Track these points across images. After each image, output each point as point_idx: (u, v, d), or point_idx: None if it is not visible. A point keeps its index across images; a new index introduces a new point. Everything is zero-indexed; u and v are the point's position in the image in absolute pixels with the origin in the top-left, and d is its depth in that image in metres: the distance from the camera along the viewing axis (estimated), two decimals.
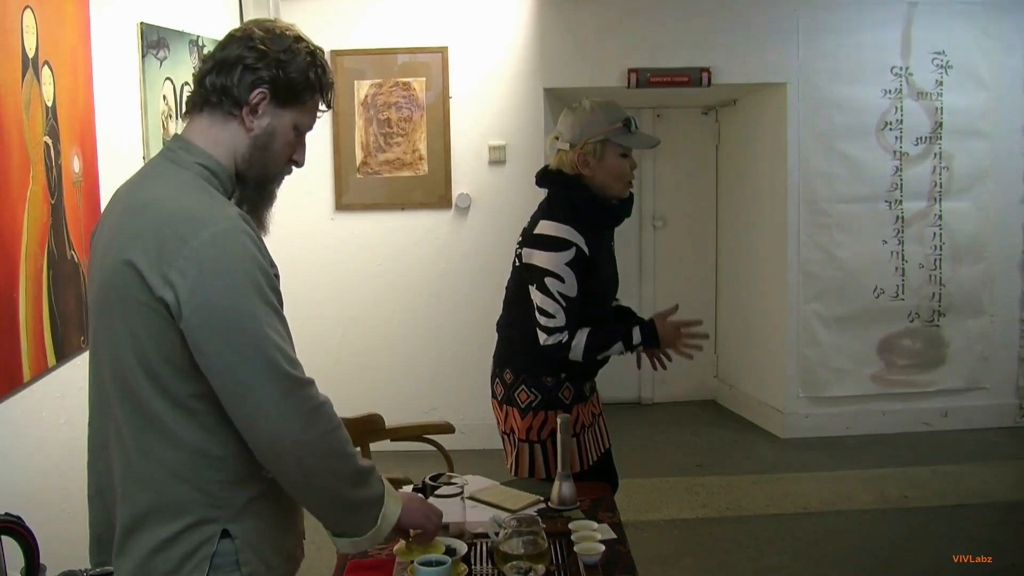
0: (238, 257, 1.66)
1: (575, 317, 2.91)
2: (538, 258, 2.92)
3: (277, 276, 1.77)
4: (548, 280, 2.89)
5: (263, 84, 1.78)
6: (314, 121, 1.90)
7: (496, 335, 3.21)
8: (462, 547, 2.10)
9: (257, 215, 1.87)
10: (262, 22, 1.85)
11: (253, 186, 1.85)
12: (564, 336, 2.89)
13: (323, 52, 1.88)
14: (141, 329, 1.67)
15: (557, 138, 3.03)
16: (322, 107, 1.90)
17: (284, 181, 1.93)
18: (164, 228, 1.67)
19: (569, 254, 2.88)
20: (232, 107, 1.79)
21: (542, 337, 2.93)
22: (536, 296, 2.93)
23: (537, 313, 2.93)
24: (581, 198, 2.97)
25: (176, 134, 1.86)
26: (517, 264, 3.04)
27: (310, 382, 1.72)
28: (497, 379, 3.12)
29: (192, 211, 1.69)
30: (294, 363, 1.69)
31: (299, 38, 1.83)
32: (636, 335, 2.97)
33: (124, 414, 1.73)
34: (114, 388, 1.74)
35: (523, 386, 3.02)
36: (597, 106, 3.00)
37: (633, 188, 3.10)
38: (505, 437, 3.11)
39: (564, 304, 2.88)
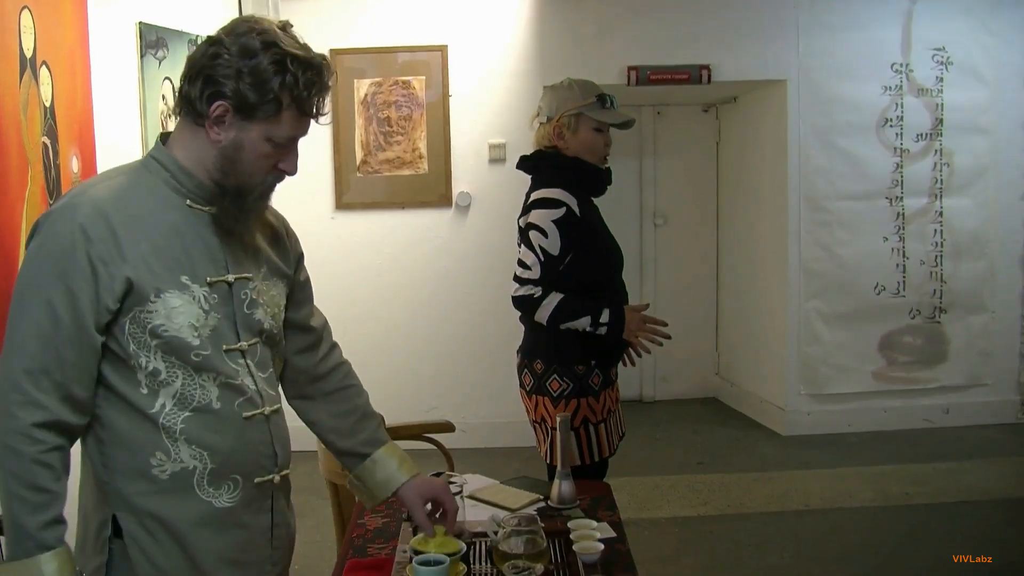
0: (48, 239, 1.67)
1: (551, 277, 2.99)
2: (531, 216, 3.05)
3: (131, 279, 1.67)
4: (532, 233, 3.01)
5: (223, 97, 1.70)
6: (297, 131, 1.77)
7: (521, 327, 3.25)
8: (461, 546, 2.10)
9: (239, 226, 1.82)
10: (239, 24, 1.74)
11: (232, 196, 1.78)
12: (537, 291, 2.99)
13: (302, 58, 1.72)
14: None
15: (538, 115, 3.22)
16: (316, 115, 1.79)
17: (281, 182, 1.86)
18: None
19: (558, 212, 3.01)
20: (197, 118, 1.75)
21: (513, 287, 3.03)
22: (520, 250, 3.06)
23: (516, 265, 3.03)
24: (566, 163, 3.12)
25: (162, 132, 1.88)
26: None
27: (18, 388, 1.62)
28: (526, 370, 3.16)
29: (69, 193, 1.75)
30: (22, 356, 1.63)
31: (270, 44, 1.69)
32: (605, 315, 3.02)
33: None
34: None
35: (555, 375, 3.08)
36: (575, 83, 3.20)
37: (608, 164, 3.23)
38: (537, 426, 3.17)
39: (542, 259, 2.98)
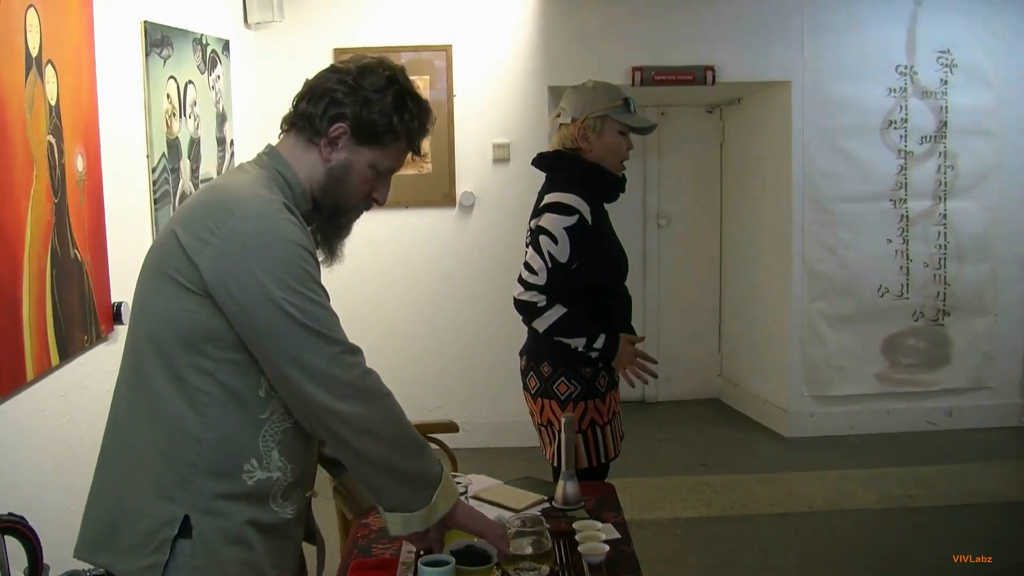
0: (277, 234, 1.70)
1: (556, 285, 2.98)
2: (543, 220, 3.03)
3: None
4: (542, 238, 2.99)
5: (344, 120, 1.81)
6: (398, 165, 1.90)
7: (524, 328, 3.22)
8: (495, 551, 2.06)
9: (328, 244, 1.92)
10: (365, 59, 1.87)
11: (327, 215, 1.89)
12: (542, 300, 2.98)
13: (419, 98, 1.87)
14: (160, 295, 1.73)
15: (559, 115, 3.18)
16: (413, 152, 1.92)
17: None
18: (213, 203, 1.74)
19: (571, 219, 2.99)
20: (313, 135, 1.83)
21: (517, 290, 3.02)
22: (528, 252, 3.04)
23: (523, 267, 3.03)
24: (584, 167, 3.10)
25: (271, 144, 1.92)
26: None
27: (356, 349, 1.76)
28: (532, 373, 3.15)
29: (243, 192, 1.75)
30: (333, 329, 1.73)
31: (394, 80, 1.83)
32: (600, 340, 3.03)
33: (126, 373, 1.79)
34: (128, 349, 1.80)
35: (562, 378, 3.07)
36: (600, 85, 3.18)
37: (625, 169, 3.22)
38: (543, 429, 3.16)
39: (550, 265, 2.97)
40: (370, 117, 1.80)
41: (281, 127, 1.91)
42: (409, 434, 1.81)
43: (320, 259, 1.91)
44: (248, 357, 1.72)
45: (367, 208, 1.95)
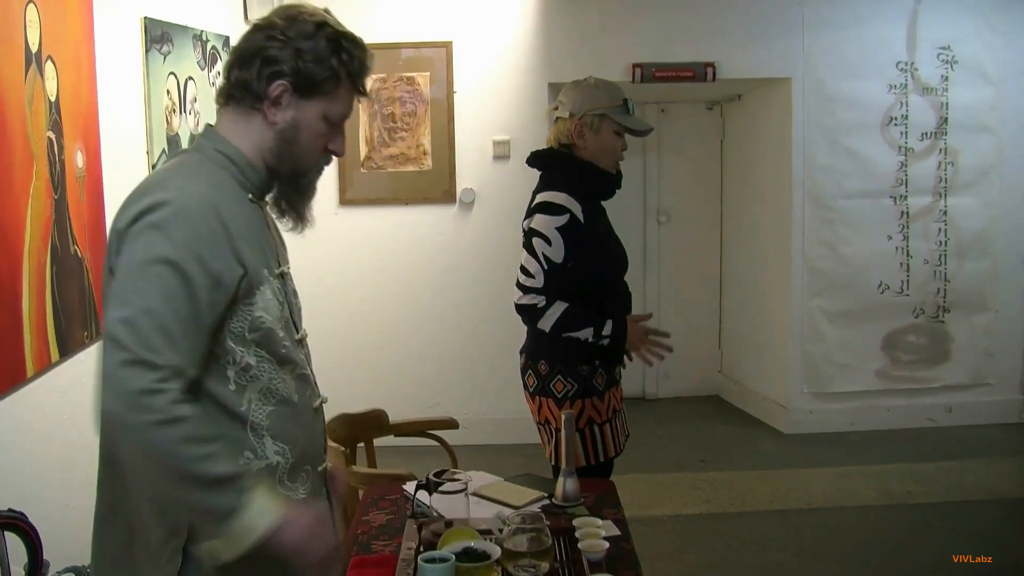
0: (167, 229, 1.60)
1: (555, 285, 2.97)
2: (534, 221, 3.02)
3: (244, 275, 1.68)
4: (535, 240, 2.98)
5: (283, 76, 1.73)
6: (348, 110, 1.82)
7: (524, 325, 3.21)
8: (495, 550, 2.05)
9: (294, 208, 1.85)
10: (288, 9, 1.78)
11: (287, 180, 1.82)
12: (542, 300, 2.97)
13: (353, 36, 1.78)
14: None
15: (557, 108, 3.16)
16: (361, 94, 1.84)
17: None
18: (132, 196, 1.69)
19: (562, 219, 2.97)
20: (254, 101, 1.75)
21: (517, 295, 3.01)
22: (523, 255, 3.03)
23: (519, 271, 3.01)
24: (576, 165, 3.08)
25: (208, 124, 1.85)
26: None
27: (156, 366, 1.53)
28: (530, 371, 3.14)
29: (157, 182, 1.69)
30: (149, 345, 1.53)
31: (323, 24, 1.75)
32: (608, 327, 3.01)
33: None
34: None
35: (559, 376, 3.06)
36: (601, 83, 3.16)
37: (620, 168, 3.21)
38: (541, 428, 3.16)
39: (546, 267, 2.96)
40: (307, 67, 1.72)
41: (217, 102, 1.82)
42: (179, 469, 1.56)
43: (290, 226, 1.86)
44: (211, 353, 1.66)
45: (327, 163, 1.87)
